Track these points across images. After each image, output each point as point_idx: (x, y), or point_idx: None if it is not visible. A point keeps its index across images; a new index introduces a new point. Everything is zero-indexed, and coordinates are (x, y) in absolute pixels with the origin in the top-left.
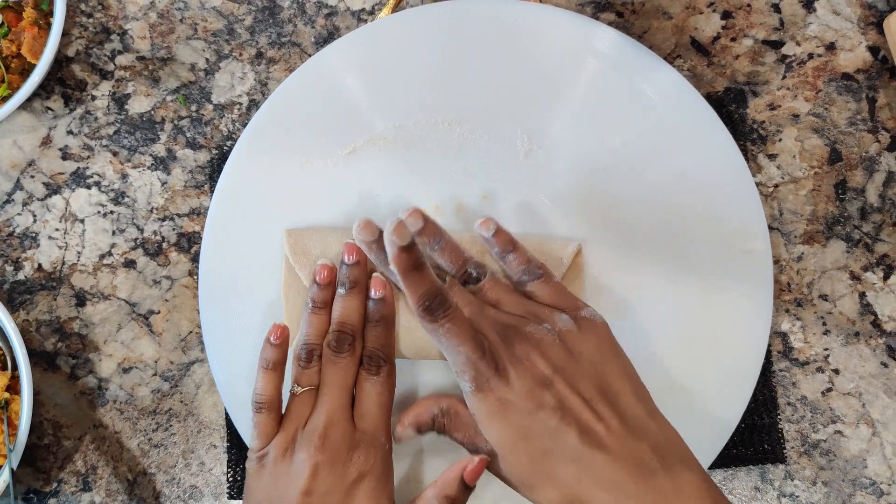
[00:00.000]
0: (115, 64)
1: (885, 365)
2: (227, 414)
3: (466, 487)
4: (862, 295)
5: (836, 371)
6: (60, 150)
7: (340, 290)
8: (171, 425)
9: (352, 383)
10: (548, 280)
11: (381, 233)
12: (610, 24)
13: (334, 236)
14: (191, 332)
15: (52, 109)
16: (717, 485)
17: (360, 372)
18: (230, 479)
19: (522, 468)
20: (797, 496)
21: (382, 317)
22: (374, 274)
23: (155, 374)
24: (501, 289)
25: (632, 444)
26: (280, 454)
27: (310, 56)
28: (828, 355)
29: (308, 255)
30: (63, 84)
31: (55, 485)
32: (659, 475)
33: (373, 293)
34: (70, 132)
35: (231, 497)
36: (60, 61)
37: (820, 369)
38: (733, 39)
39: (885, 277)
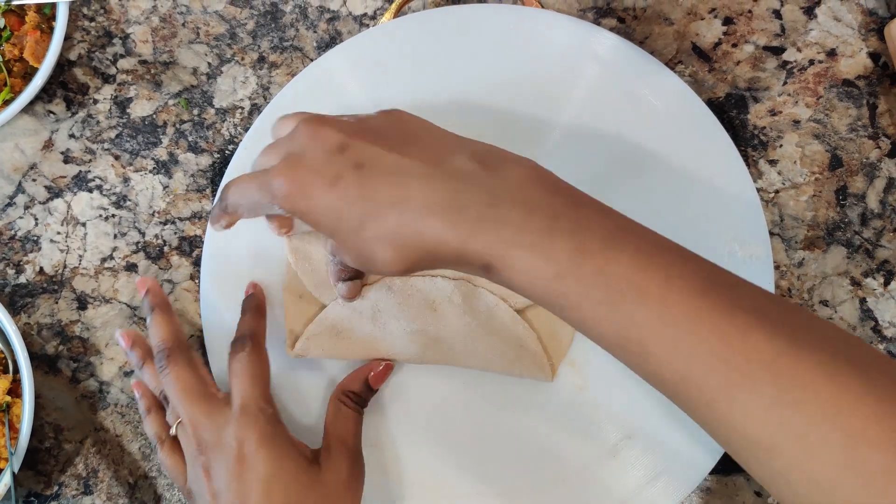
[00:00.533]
0: (117, 68)
1: None
2: None
3: (370, 389)
4: (863, 301)
5: None
6: (62, 153)
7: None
8: None
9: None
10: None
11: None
12: (611, 29)
13: None
14: (192, 335)
15: (54, 113)
16: (552, 173)
17: (229, 357)
18: None
19: (354, 248)
20: None
21: (154, 305)
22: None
23: None
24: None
25: (446, 162)
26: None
27: (312, 60)
28: None
29: (310, 260)
30: (65, 88)
31: (56, 488)
32: (481, 177)
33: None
34: (72, 136)
35: None
36: (63, 65)
37: None
38: (734, 45)
39: (886, 283)
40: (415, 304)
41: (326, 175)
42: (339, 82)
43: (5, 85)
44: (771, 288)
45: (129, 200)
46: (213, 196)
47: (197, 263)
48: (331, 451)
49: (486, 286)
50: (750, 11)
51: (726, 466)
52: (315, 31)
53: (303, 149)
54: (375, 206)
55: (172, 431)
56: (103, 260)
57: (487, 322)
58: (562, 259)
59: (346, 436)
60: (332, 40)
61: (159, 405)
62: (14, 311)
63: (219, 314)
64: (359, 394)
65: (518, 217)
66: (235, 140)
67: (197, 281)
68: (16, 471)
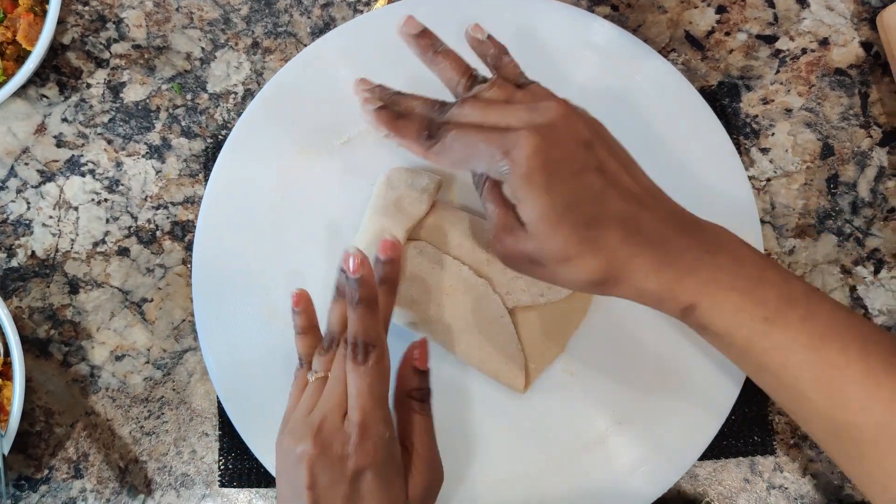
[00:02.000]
0: (110, 52)
1: None
2: (219, 402)
3: (422, 373)
4: (853, 288)
5: None
6: (55, 137)
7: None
8: (163, 413)
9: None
10: (540, 85)
11: (423, 28)
12: (605, 17)
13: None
14: (184, 320)
15: (46, 97)
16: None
17: (347, 361)
18: (221, 466)
19: (563, 240)
20: (786, 488)
21: (363, 298)
22: (349, 247)
23: (147, 362)
24: (510, 87)
25: (668, 204)
26: (288, 439)
27: (305, 46)
28: None
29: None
30: (58, 72)
31: (46, 472)
32: (700, 225)
33: (350, 270)
34: (65, 120)
35: (222, 485)
36: (56, 49)
37: None
38: (727, 34)
39: (876, 271)
40: (433, 280)
41: (574, 164)
42: (332, 68)
43: None
44: None
45: (122, 185)
46: (206, 181)
47: (189, 248)
48: (410, 468)
49: (503, 296)
50: (743, 0)
51: (714, 453)
52: (309, 17)
53: (554, 128)
54: (605, 215)
55: (311, 378)
56: (95, 244)
57: (488, 326)
58: (771, 304)
59: (420, 446)
60: (325, 26)
61: (316, 332)
62: (6, 294)
63: (211, 299)
64: (418, 388)
65: (732, 265)
66: (229, 125)
67: (189, 265)
68: (6, 454)
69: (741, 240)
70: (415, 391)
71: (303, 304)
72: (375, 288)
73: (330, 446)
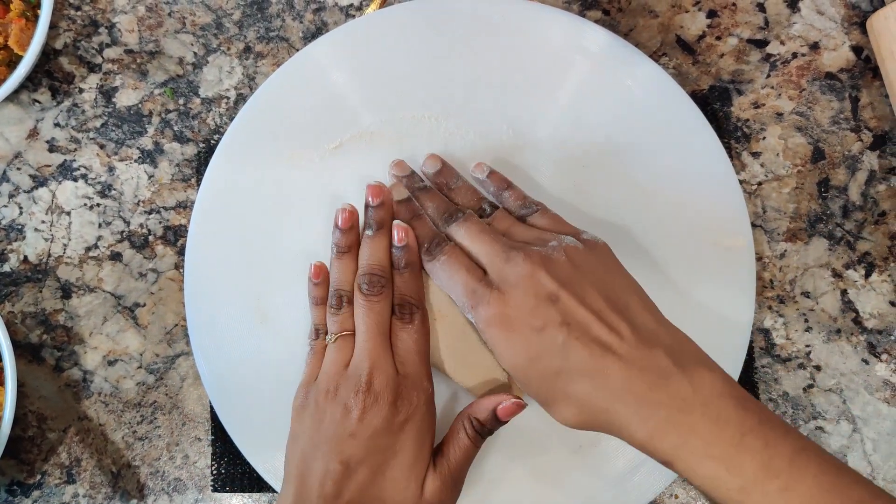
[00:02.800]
0: (102, 57)
1: (865, 362)
2: (211, 407)
3: (498, 420)
4: (843, 292)
5: (818, 367)
6: (47, 142)
7: (368, 232)
8: (155, 418)
9: (388, 327)
10: (545, 212)
11: (412, 171)
12: (596, 21)
13: None
14: (176, 325)
15: (39, 102)
16: (738, 383)
17: (394, 321)
18: (214, 471)
19: (537, 388)
20: None
21: (408, 263)
22: (396, 221)
23: (140, 367)
24: (511, 219)
25: (644, 352)
26: (323, 396)
27: (298, 51)
28: (809, 352)
29: None
30: (50, 76)
31: (39, 477)
32: (675, 378)
33: (396, 240)
34: (57, 124)
35: (215, 490)
36: (48, 54)
37: (801, 366)
38: (718, 38)
39: (867, 275)
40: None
41: (533, 321)
42: (324, 73)
43: None
44: (752, 279)
45: (114, 189)
46: (198, 186)
47: (182, 253)
48: (436, 470)
49: None
50: (734, 4)
51: None
52: (301, 22)
53: (517, 287)
54: (571, 368)
55: (330, 339)
56: (88, 249)
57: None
58: (748, 474)
59: (454, 459)
60: (318, 31)
61: (325, 301)
62: None
63: (203, 304)
64: (483, 423)
65: (708, 429)
66: (221, 130)
67: (181, 270)
68: None
69: (724, 386)
70: (478, 423)
71: (322, 275)
72: (417, 249)
73: (383, 395)
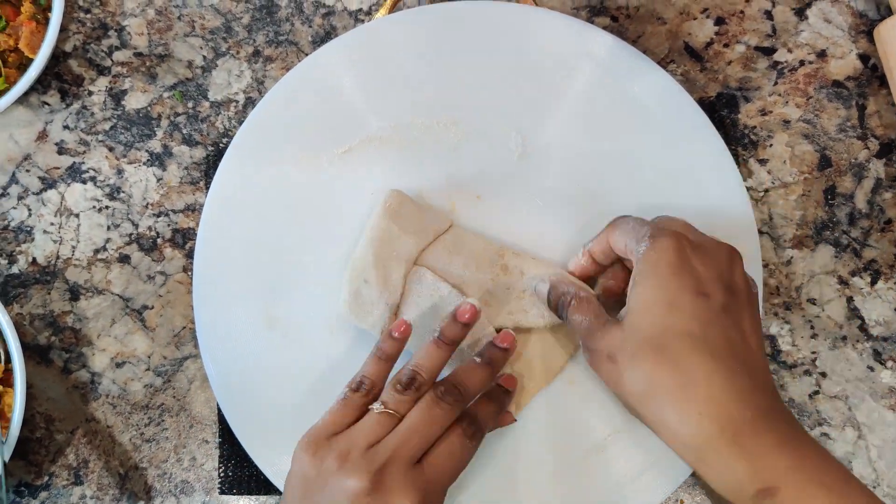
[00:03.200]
0: (112, 60)
1: (871, 369)
2: (219, 409)
3: (461, 324)
4: (850, 299)
5: (824, 374)
6: (56, 144)
7: (476, 359)
8: (163, 420)
9: (436, 437)
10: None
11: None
12: (604, 28)
13: (418, 236)
14: (184, 327)
15: (48, 104)
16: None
17: (455, 426)
18: (221, 474)
19: (648, 326)
20: None
21: (499, 398)
22: (506, 347)
23: (148, 369)
24: None
25: (764, 378)
26: (338, 459)
27: (307, 55)
28: (815, 358)
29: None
30: (60, 79)
31: (46, 478)
32: (781, 410)
33: (505, 384)
34: (66, 127)
35: (222, 492)
36: (58, 56)
37: (807, 372)
38: (726, 45)
39: (873, 282)
40: (430, 309)
41: (702, 284)
42: (333, 77)
43: (0, 75)
44: (759, 286)
45: (123, 192)
46: (207, 189)
47: (190, 256)
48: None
49: (506, 316)
50: (742, 12)
51: None
52: (310, 26)
53: (702, 247)
54: (697, 338)
55: (377, 409)
56: (96, 251)
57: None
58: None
59: (435, 457)
60: (327, 35)
61: (392, 365)
62: (6, 301)
63: (211, 307)
64: (449, 335)
65: (820, 459)
66: (230, 133)
67: (190, 273)
68: (6, 460)
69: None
70: (447, 336)
71: (403, 335)
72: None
73: (388, 488)
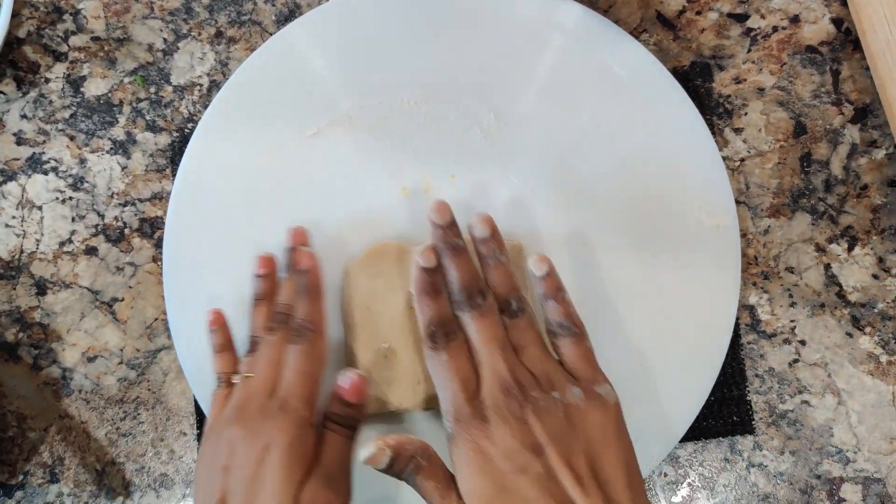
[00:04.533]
0: (68, 45)
1: (849, 335)
2: (195, 401)
3: (348, 404)
4: (827, 266)
5: (803, 342)
6: (14, 135)
7: (283, 275)
8: (138, 414)
9: (281, 359)
10: (580, 341)
11: (452, 220)
12: None
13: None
14: (156, 318)
15: (3, 93)
16: None
17: (285, 344)
18: None
19: None
20: (765, 466)
21: (309, 287)
22: (300, 247)
23: (121, 363)
24: (532, 335)
25: None
26: (212, 431)
27: (271, 35)
28: (794, 327)
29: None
30: (15, 66)
31: (21, 477)
32: None
33: (300, 265)
34: (24, 116)
35: None
36: (11, 43)
37: (787, 341)
38: (699, 13)
39: (850, 249)
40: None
41: (512, 464)
42: (300, 57)
43: None
44: (737, 256)
45: (87, 182)
46: (173, 176)
47: (159, 245)
48: (310, 474)
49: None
50: None
51: (695, 434)
52: (273, 5)
53: (506, 421)
54: None
55: (236, 380)
56: (62, 244)
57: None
58: None
59: (325, 457)
60: (290, 13)
61: (232, 348)
62: None
63: (183, 296)
64: (338, 413)
65: None
66: (195, 118)
67: (159, 263)
68: None
69: None
70: (335, 415)
71: (219, 322)
72: (320, 279)
73: (251, 423)
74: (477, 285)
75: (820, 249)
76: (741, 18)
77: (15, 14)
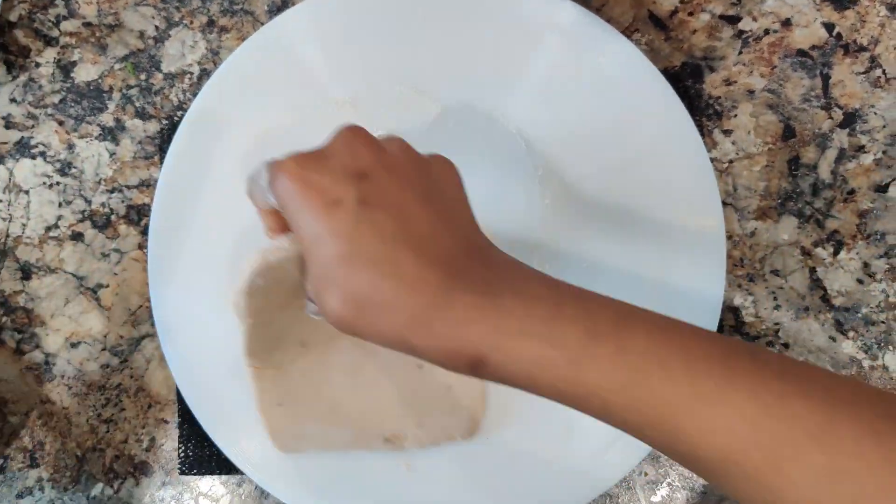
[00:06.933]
0: (60, 30)
1: (833, 339)
2: (178, 389)
3: None
4: (812, 270)
5: (786, 345)
6: (3, 118)
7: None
8: (120, 400)
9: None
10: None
11: None
12: None
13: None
14: (141, 306)
15: None
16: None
17: None
18: (182, 454)
19: (313, 274)
20: None
21: None
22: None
23: (104, 349)
24: None
25: (443, 247)
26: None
27: (263, 24)
28: (778, 329)
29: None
30: (5, 50)
31: (1, 461)
32: (476, 267)
33: None
34: (13, 100)
35: (183, 473)
36: (2, 27)
37: (770, 343)
38: (691, 14)
39: (835, 253)
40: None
41: (328, 194)
42: (291, 47)
43: None
44: (723, 258)
45: (75, 167)
46: (161, 163)
47: (145, 232)
48: None
49: None
50: None
51: None
52: None
53: (327, 153)
54: (358, 256)
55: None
56: (48, 229)
57: (411, 395)
58: (573, 344)
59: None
60: (283, 4)
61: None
62: None
63: (168, 284)
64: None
65: (520, 307)
66: (184, 106)
67: (145, 250)
68: None
69: (536, 274)
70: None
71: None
72: None
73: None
74: None
75: (806, 253)
76: (733, 20)
77: None
